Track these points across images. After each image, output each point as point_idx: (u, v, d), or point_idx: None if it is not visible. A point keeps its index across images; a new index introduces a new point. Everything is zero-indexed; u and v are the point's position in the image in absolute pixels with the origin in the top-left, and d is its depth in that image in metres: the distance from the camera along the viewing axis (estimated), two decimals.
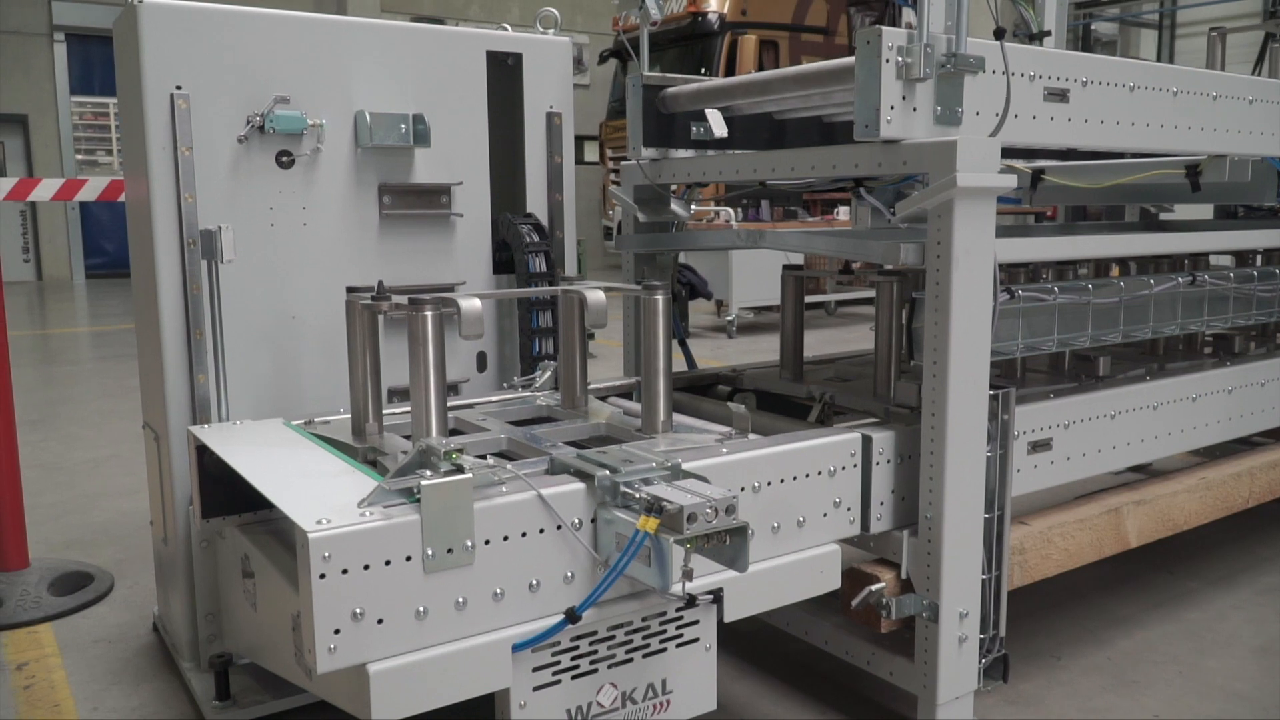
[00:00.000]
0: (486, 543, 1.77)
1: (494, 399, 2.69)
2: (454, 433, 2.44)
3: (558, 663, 1.88)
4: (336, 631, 1.63)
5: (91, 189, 3.44)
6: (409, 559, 1.69)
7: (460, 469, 1.76)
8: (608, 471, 1.87)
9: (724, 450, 2.11)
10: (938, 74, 2.24)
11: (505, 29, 3.25)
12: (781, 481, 2.15)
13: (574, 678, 1.91)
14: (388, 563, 1.67)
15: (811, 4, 16.38)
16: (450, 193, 2.93)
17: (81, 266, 17.00)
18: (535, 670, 1.86)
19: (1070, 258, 2.65)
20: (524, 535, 1.81)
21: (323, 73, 2.72)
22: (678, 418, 2.47)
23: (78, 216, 16.71)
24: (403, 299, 2.13)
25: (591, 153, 20.55)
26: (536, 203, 3.09)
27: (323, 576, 1.61)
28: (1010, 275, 2.76)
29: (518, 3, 20.36)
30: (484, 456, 2.04)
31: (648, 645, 1.99)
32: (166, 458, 2.65)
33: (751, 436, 2.29)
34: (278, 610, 2.05)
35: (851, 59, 2.26)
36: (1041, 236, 2.78)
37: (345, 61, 2.75)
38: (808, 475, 2.19)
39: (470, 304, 2.07)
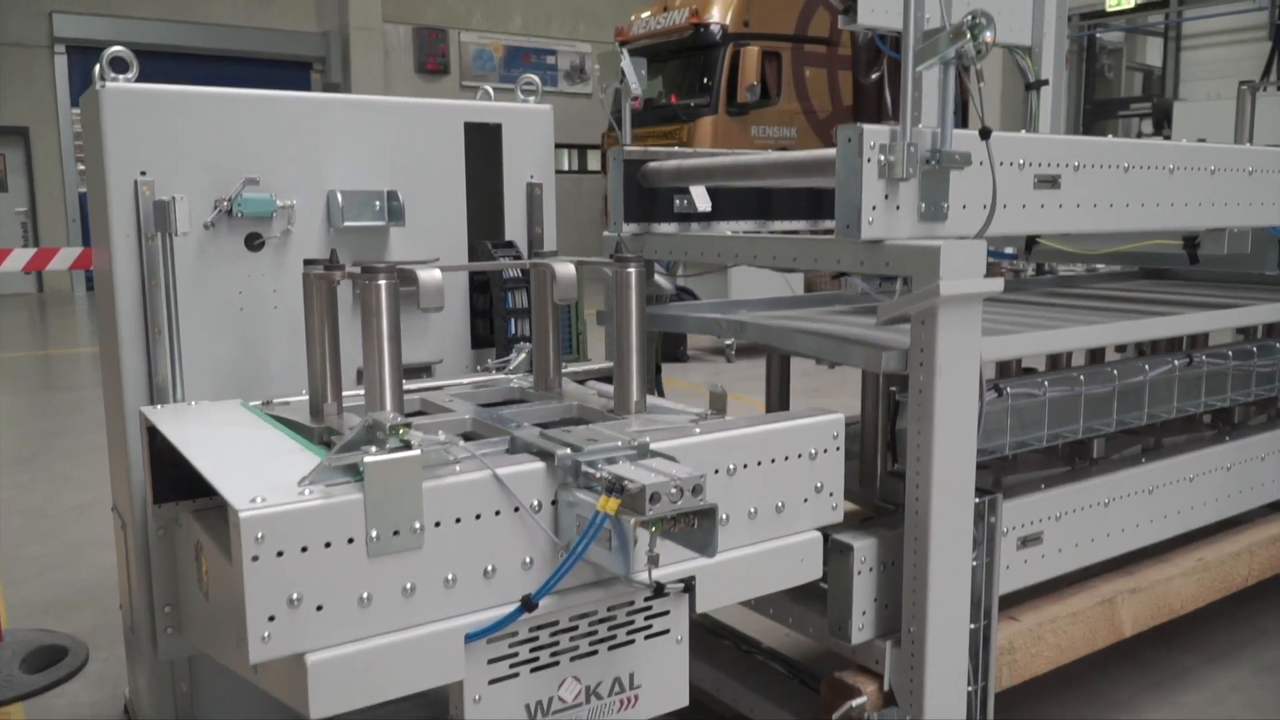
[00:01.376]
0: (437, 525, 1.65)
1: (465, 381, 2.61)
2: (419, 414, 2.35)
3: (515, 654, 1.77)
4: (271, 619, 1.53)
5: (64, 258, 3.39)
6: (351, 541, 1.57)
7: (408, 445, 1.63)
8: (569, 450, 1.75)
9: (697, 430, 1.98)
10: (922, 170, 2.17)
11: (488, 91, 3.19)
12: (759, 464, 2.01)
13: (533, 670, 1.79)
14: (328, 545, 1.56)
15: (814, 15, 16.27)
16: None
17: (83, 278, 16.98)
18: (491, 662, 1.74)
19: (1063, 349, 2.56)
20: (478, 517, 1.69)
21: (293, 152, 2.65)
22: (652, 400, 2.38)
23: (79, 229, 16.69)
24: (355, 267, 2.03)
25: (594, 162, 20.52)
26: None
27: (255, 559, 1.50)
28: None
29: (520, 10, 20.32)
30: (437, 433, 1.91)
31: (614, 637, 1.87)
32: (135, 545, 2.58)
33: (729, 417, 2.18)
34: (227, 598, 1.95)
35: (834, 151, 2.19)
36: (1032, 328, 2.70)
37: (317, 139, 2.68)
38: (787, 458, 2.04)
39: (430, 274, 1.96)
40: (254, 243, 2.63)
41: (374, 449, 1.62)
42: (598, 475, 1.68)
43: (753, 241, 2.55)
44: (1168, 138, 14.37)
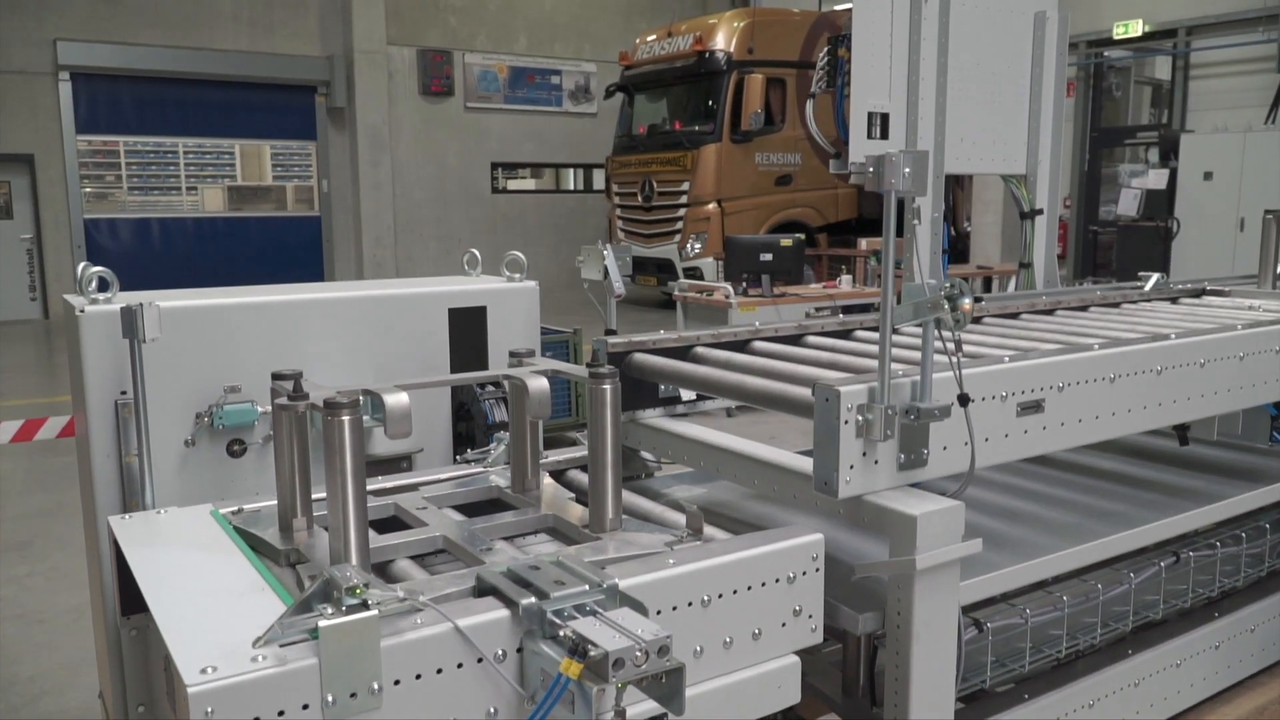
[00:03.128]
0: (396, 683, 1.61)
1: (444, 476, 2.58)
2: (391, 521, 2.33)
3: None
4: None
5: (52, 427, 3.40)
6: (306, 708, 1.54)
7: (365, 605, 1.58)
8: (534, 599, 1.71)
9: (670, 561, 1.94)
10: (901, 424, 2.15)
11: (475, 256, 3.18)
12: (735, 593, 1.98)
13: None
14: (281, 713, 1.52)
15: (818, 42, 16.18)
16: (411, 459, 2.86)
17: None
18: None
19: (1049, 575, 2.54)
20: (439, 671, 1.65)
21: (273, 355, 2.64)
22: (633, 502, 2.36)
23: (84, 255, 16.73)
24: (319, 399, 1.96)
25: (599, 181, 20.49)
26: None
27: None
28: None
29: (524, 31, 20.28)
30: (392, 585, 1.81)
31: None
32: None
33: (707, 533, 2.15)
34: None
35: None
36: (1010, 517, 2.68)
37: (298, 340, 2.68)
38: (764, 584, 2.01)
39: (396, 399, 1.90)
40: (235, 449, 2.63)
41: (330, 609, 1.58)
42: (562, 633, 1.64)
43: (736, 458, 2.53)
44: (1174, 170, 14.29)
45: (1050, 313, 3.77)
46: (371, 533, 2.14)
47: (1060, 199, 4.18)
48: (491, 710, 1.71)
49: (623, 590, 1.77)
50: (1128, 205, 15.04)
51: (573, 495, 2.46)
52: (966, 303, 2.03)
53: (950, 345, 2.09)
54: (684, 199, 16.11)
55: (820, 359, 2.75)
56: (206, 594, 1.86)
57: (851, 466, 2.11)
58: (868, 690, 2.35)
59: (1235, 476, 3.15)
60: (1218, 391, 2.87)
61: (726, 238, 10.48)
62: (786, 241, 9.54)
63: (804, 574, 2.07)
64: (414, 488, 2.50)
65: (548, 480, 2.54)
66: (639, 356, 2.81)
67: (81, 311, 2.43)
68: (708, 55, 16.00)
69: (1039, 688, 2.66)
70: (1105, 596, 2.62)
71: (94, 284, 2.56)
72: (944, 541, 2.08)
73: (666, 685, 1.62)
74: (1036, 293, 4.02)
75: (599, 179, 20.40)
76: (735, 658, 2.00)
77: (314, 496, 2.20)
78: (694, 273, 15.72)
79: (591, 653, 1.56)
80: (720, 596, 1.96)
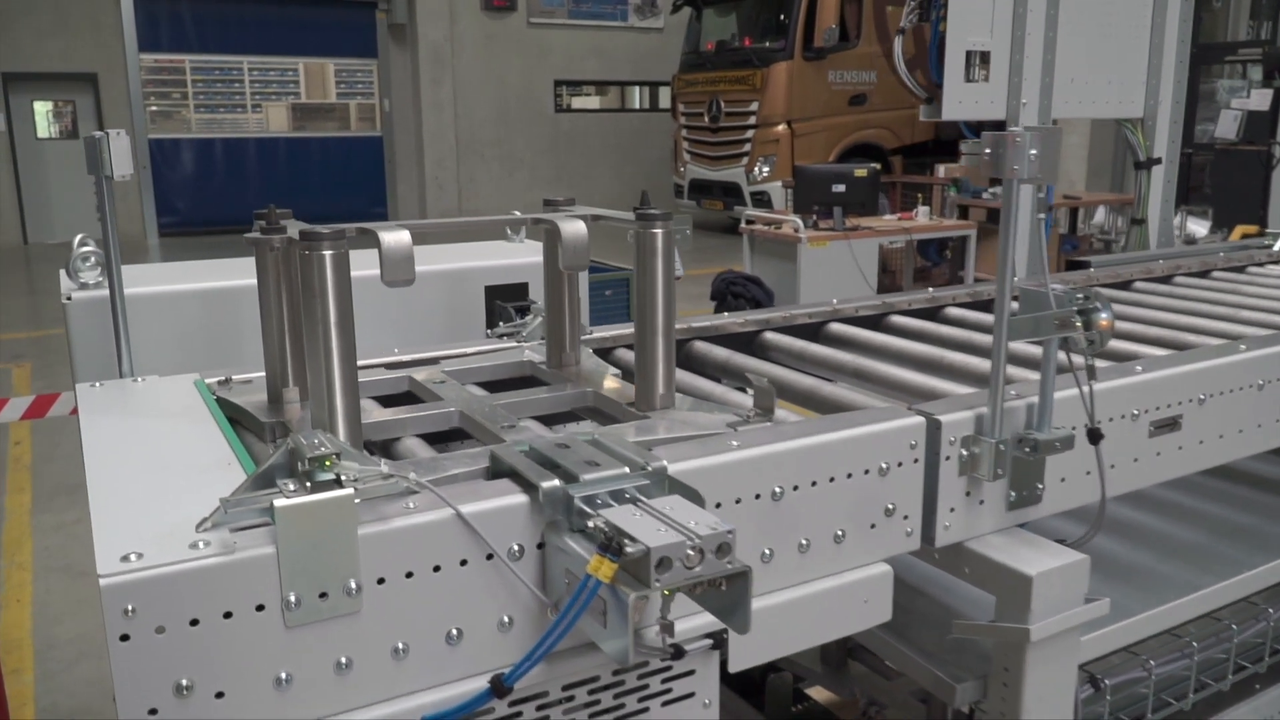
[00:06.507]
0: (380, 582, 1.27)
1: (470, 350, 2.22)
2: (407, 397, 1.98)
3: None
4: (153, 712, 1.17)
5: (64, 404, 3.21)
6: (261, 609, 1.21)
7: (339, 481, 1.25)
8: (559, 482, 1.36)
9: (734, 444, 1.57)
10: (1013, 458, 1.78)
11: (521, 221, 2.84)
12: (813, 485, 1.62)
13: None
14: (228, 615, 1.19)
15: None
16: None
17: (155, 226, 17.05)
18: None
19: (1180, 622, 2.16)
20: (437, 569, 1.31)
21: None
22: (690, 381, 2.02)
23: (149, 176, 16.72)
24: (295, 231, 1.59)
25: (665, 99, 19.85)
26: None
27: (125, 639, 1.14)
28: None
29: None
30: (373, 452, 1.46)
31: (622, 706, 1.49)
32: None
33: (780, 417, 1.77)
34: None
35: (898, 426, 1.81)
36: (1135, 605, 2.31)
37: None
38: (849, 475, 1.66)
39: (395, 236, 1.51)
40: None
41: (292, 485, 1.25)
42: (592, 524, 1.28)
43: None
44: (1278, 90, 13.26)
45: (1168, 279, 3.33)
46: (375, 406, 1.82)
47: (1180, 146, 3.68)
48: (505, 619, 1.37)
49: (672, 476, 1.41)
50: (1226, 127, 14.02)
51: (618, 373, 2.06)
52: (1104, 319, 1.64)
53: (1082, 371, 1.70)
54: (752, 120, 15.48)
55: (907, 352, 2.37)
56: (160, 467, 1.52)
57: (952, 509, 1.76)
58: None
59: None
60: None
61: (796, 167, 9.91)
62: (861, 171, 8.98)
63: (899, 465, 1.69)
64: (435, 361, 2.12)
65: (591, 357, 2.15)
66: (699, 346, 2.46)
67: (68, 299, 2.15)
68: None
69: None
70: (1240, 637, 2.25)
71: (90, 262, 2.28)
72: (1065, 605, 1.73)
73: (727, 594, 1.27)
74: (1152, 254, 3.56)
75: (665, 97, 19.76)
76: (813, 564, 1.65)
77: None
78: (761, 197, 15.16)
79: (629, 549, 1.20)
80: (795, 489, 1.60)
